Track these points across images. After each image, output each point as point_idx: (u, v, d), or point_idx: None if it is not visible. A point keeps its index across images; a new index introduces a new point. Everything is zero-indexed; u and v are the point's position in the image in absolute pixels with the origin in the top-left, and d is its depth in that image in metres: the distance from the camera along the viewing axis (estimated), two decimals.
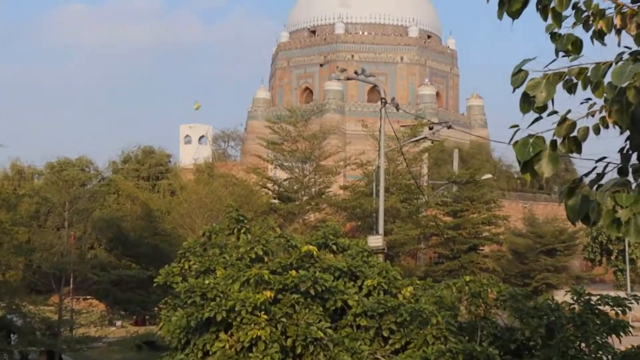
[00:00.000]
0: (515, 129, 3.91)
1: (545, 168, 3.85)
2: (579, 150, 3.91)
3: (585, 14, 3.95)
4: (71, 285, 35.72)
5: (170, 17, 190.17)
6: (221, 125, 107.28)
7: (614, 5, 3.92)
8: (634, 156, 3.96)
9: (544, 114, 3.92)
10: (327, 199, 49.88)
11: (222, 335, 10.30)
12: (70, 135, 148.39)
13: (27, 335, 29.97)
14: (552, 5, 3.93)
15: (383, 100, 26.95)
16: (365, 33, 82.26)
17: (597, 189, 3.87)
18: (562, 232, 51.65)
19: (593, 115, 3.88)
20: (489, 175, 52.19)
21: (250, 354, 10.02)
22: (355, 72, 28.74)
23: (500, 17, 3.99)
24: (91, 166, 61.14)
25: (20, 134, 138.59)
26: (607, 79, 3.76)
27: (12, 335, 30.56)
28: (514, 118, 3.64)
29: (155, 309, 28.81)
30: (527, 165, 3.87)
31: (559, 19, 3.94)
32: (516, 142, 3.87)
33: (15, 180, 53.11)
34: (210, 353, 10.44)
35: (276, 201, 49.76)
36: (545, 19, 3.96)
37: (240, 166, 65.19)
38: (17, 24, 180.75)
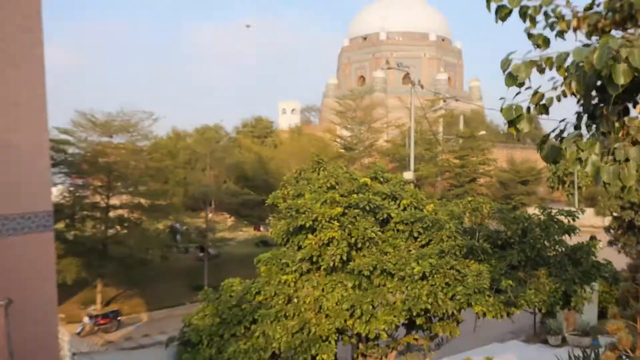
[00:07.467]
0: (503, 99, 4.38)
1: (524, 125, 4.30)
2: (547, 113, 4.29)
3: (552, 19, 4.39)
4: (212, 206, 40.72)
5: None
6: (306, 101, 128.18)
7: (571, 11, 4.35)
8: (585, 117, 4.40)
9: (523, 89, 4.30)
10: (376, 149, 58.00)
11: (309, 236, 12.39)
12: (208, 106, 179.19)
13: (187, 237, 37.77)
14: (530, 12, 4.38)
15: (413, 84, 30.20)
16: (400, 38, 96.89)
17: (560, 140, 4.36)
18: (532, 169, 59.91)
19: (556, 89, 4.24)
20: (483, 132, 60.10)
21: (328, 248, 11.94)
22: (398, 65, 35.48)
23: (496, 20, 4.47)
24: (222, 130, 68.63)
25: (176, 107, 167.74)
26: (566, 64, 4.18)
27: (177, 236, 38.56)
28: (502, 94, 4.60)
29: (267, 220, 31.32)
30: (511, 123, 4.33)
31: (533, 22, 4.40)
32: (503, 108, 4.33)
33: (175, 140, 55.32)
34: (302, 247, 12.40)
35: (343, 150, 57.20)
36: (525, 22, 4.42)
37: (319, 128, 74.64)
38: None
